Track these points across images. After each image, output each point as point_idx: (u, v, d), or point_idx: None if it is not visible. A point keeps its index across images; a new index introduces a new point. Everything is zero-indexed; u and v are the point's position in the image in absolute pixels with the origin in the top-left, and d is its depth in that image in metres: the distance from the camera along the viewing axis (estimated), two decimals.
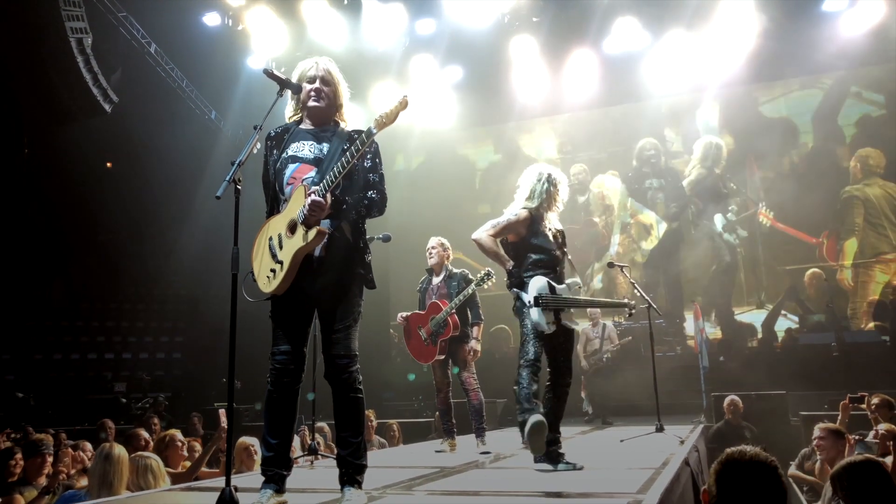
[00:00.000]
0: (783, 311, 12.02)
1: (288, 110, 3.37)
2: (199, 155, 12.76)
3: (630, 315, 4.76)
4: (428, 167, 14.76)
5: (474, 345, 5.73)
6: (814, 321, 11.41)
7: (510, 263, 4.21)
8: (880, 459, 3.27)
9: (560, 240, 4.38)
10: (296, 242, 3.02)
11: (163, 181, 12.79)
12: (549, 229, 4.34)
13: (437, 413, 6.38)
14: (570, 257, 4.45)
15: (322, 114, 3.27)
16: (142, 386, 13.14)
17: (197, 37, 12.50)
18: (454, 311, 5.64)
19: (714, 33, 11.71)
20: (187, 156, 12.65)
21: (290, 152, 3.20)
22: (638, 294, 6.53)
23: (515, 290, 4.21)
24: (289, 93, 3.33)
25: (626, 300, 4.79)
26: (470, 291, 5.63)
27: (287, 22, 12.20)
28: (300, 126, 3.27)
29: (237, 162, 3.02)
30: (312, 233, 2.98)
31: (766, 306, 12.30)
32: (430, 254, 5.95)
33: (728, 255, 12.78)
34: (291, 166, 3.18)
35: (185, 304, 14.76)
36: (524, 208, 4.34)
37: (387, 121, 3.05)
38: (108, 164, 13.81)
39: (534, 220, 4.30)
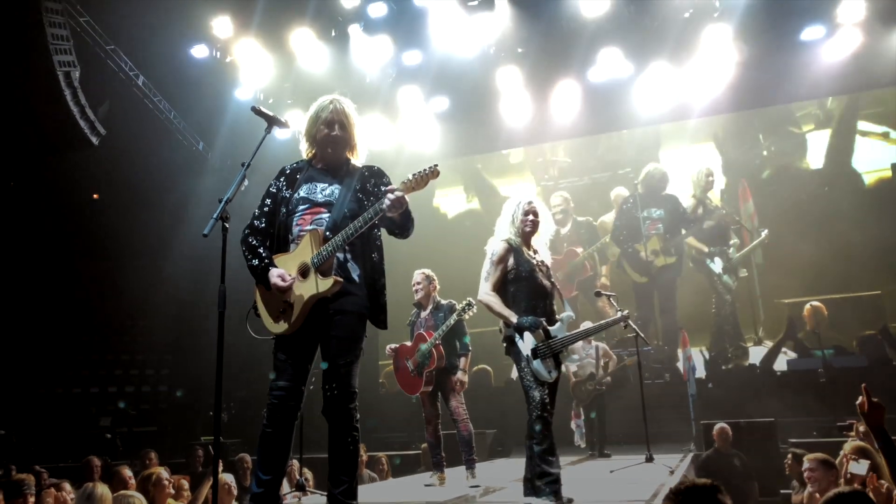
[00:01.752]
0: (784, 349, 11.41)
1: (303, 148, 3.41)
2: (187, 186, 12.76)
3: (626, 326, 4.83)
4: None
5: (461, 375, 5.74)
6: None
7: (514, 318, 4.12)
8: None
9: (545, 270, 4.34)
10: (310, 288, 3.05)
11: (150, 213, 12.76)
12: (532, 259, 4.29)
13: (426, 445, 6.34)
14: (558, 288, 4.44)
15: (332, 149, 3.32)
16: (127, 420, 12.97)
17: (185, 69, 12.56)
18: (439, 341, 5.65)
19: (696, 63, 11.90)
20: (175, 187, 12.65)
21: (302, 193, 3.23)
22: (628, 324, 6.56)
23: (510, 334, 4.16)
24: (281, 132, 3.37)
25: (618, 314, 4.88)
26: (452, 322, 5.65)
27: (275, 54, 12.30)
28: (312, 166, 3.30)
29: (225, 199, 3.04)
30: (329, 282, 3.03)
31: (763, 343, 11.91)
32: (416, 289, 6.00)
33: (728, 296, 12.29)
34: (302, 207, 3.21)
35: (171, 336, 14.63)
36: (502, 240, 4.33)
37: (416, 187, 3.11)
38: (95, 196, 13.77)
39: (514, 251, 4.27)
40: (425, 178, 3.10)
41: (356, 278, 3.09)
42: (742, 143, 13.09)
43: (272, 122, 3.29)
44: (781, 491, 6.74)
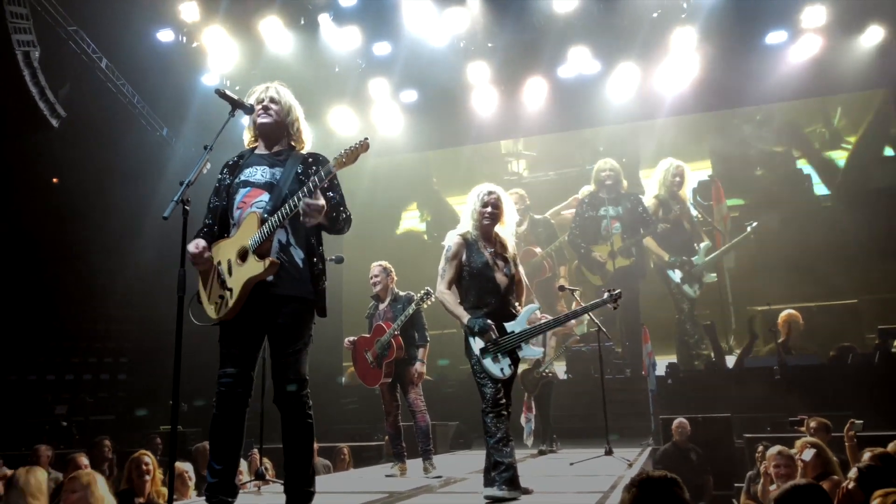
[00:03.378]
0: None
1: (246, 137, 3.38)
2: (150, 172, 12.53)
3: (616, 302, 4.38)
4: (382, 190, 14.73)
5: (419, 367, 5.78)
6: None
7: (466, 318, 4.10)
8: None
9: (504, 264, 4.24)
10: (248, 271, 3.01)
11: (111, 198, 12.49)
12: (486, 253, 4.21)
13: (387, 437, 6.36)
14: (525, 282, 4.40)
15: (272, 132, 3.30)
16: (84, 408, 12.74)
17: (150, 53, 12.33)
18: (398, 332, 5.68)
19: (664, 63, 12.06)
20: (137, 173, 12.41)
21: (242, 177, 3.21)
22: (588, 318, 6.64)
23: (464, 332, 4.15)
24: (246, 119, 3.35)
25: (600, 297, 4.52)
26: (411, 312, 5.69)
27: (242, 40, 12.14)
28: (255, 152, 3.28)
29: (186, 182, 3.01)
30: (265, 263, 2.99)
31: (734, 352, 11.60)
32: (374, 281, 6.01)
33: (686, 305, 11.87)
34: (242, 191, 3.18)
35: (131, 324, 14.38)
36: (458, 235, 4.27)
37: (347, 161, 3.12)
38: (55, 180, 13.45)
39: (468, 245, 4.22)
40: (355, 152, 3.11)
41: (299, 262, 3.06)
42: (725, 142, 13.00)
43: (236, 105, 3.27)
44: (735, 484, 6.89)
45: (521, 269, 4.41)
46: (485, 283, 4.16)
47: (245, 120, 3.44)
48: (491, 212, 4.23)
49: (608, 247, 11.82)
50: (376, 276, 6.01)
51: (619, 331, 11.76)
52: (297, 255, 3.14)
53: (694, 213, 12.59)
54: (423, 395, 5.91)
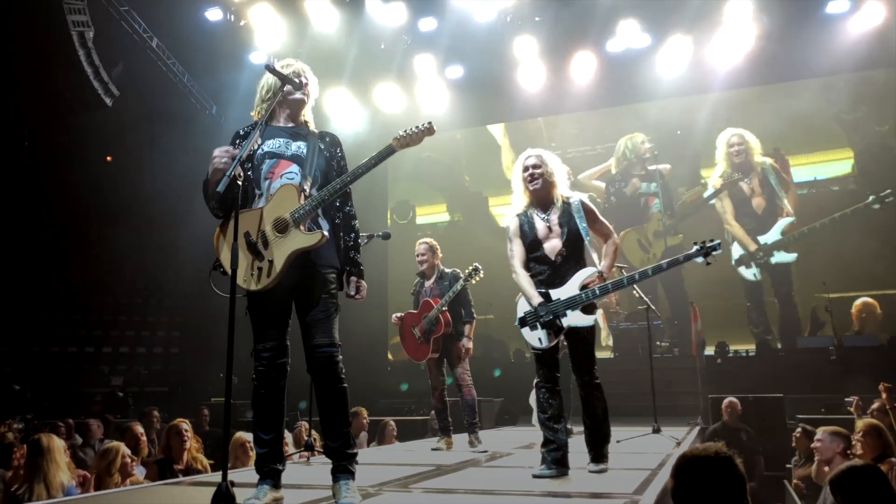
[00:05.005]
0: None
1: (257, 108, 3.38)
2: (200, 150, 12.71)
3: (709, 255, 3.87)
4: (427, 164, 14.71)
5: (466, 342, 5.80)
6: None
7: (536, 299, 3.98)
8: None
9: (566, 224, 4.04)
10: (294, 243, 3.00)
11: (163, 176, 12.77)
12: (536, 223, 4.09)
13: (433, 412, 6.40)
14: (587, 239, 4.05)
15: (299, 109, 3.31)
16: (139, 380, 13.15)
17: (199, 32, 12.49)
18: (445, 308, 5.69)
19: (716, 36, 11.69)
20: (188, 150, 12.62)
21: (266, 148, 3.21)
22: (637, 294, 6.55)
23: None
24: (259, 93, 3.35)
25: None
26: (459, 288, 5.70)
27: (289, 18, 12.19)
28: (272, 124, 3.27)
29: (238, 157, 3.02)
30: (316, 237, 3.01)
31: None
32: (420, 259, 6.02)
33: (754, 289, 11.24)
34: (269, 161, 3.19)
35: (183, 299, 14.74)
36: (514, 216, 4.20)
37: (410, 143, 3.11)
38: (109, 158, 13.79)
39: (520, 224, 4.13)
40: (420, 135, 3.12)
41: (326, 233, 3.08)
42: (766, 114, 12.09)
43: (285, 80, 3.26)
44: (787, 466, 6.76)
45: (589, 217, 4.11)
46: (535, 254, 4.08)
47: (262, 91, 3.40)
48: (531, 174, 4.11)
49: (649, 227, 11.59)
50: (422, 253, 6.02)
51: (667, 309, 11.59)
52: (324, 226, 3.16)
53: (776, 186, 11.68)
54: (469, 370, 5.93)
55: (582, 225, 4.04)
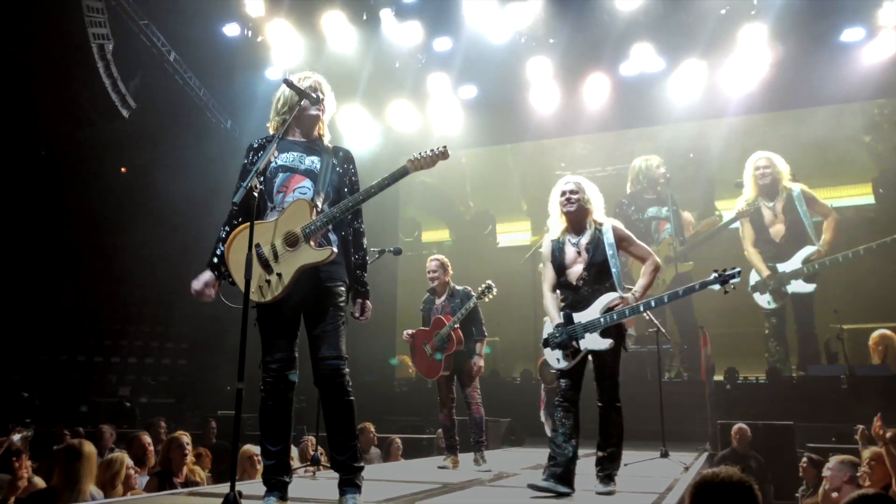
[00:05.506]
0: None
1: (273, 122, 3.41)
2: (214, 165, 12.84)
3: (727, 283, 3.95)
4: (438, 185, 14.76)
5: (478, 360, 5.80)
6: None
7: (555, 321, 4.17)
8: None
9: (590, 252, 4.15)
10: (303, 257, 3.04)
11: (176, 188, 12.85)
12: (574, 244, 4.21)
13: (441, 429, 6.38)
14: (614, 266, 4.14)
15: (314, 124, 3.34)
16: (147, 390, 13.17)
17: (216, 47, 12.64)
18: (457, 325, 5.68)
19: (730, 61, 11.72)
20: (202, 165, 12.73)
21: (279, 161, 3.23)
22: (647, 317, 6.52)
23: None
24: (274, 106, 3.38)
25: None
26: (471, 305, 5.71)
27: (306, 35, 12.32)
28: (287, 137, 3.30)
29: (255, 169, 3.06)
30: (325, 253, 3.04)
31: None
32: (431, 276, 6.02)
33: (775, 318, 11.04)
34: (282, 175, 3.22)
35: (193, 311, 14.77)
36: (548, 239, 4.37)
37: (424, 166, 3.16)
38: (123, 170, 13.91)
39: (552, 249, 4.28)
40: (434, 159, 3.17)
41: (335, 249, 3.11)
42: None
43: (303, 95, 3.30)
44: (796, 495, 6.68)
45: (623, 243, 4.23)
46: (562, 280, 4.24)
47: (277, 104, 3.43)
48: (568, 198, 4.22)
49: (658, 251, 11.45)
50: (433, 270, 6.03)
51: (676, 334, 11.50)
52: (334, 241, 3.19)
53: (804, 213, 11.38)
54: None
55: (610, 252, 4.13)
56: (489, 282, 5.75)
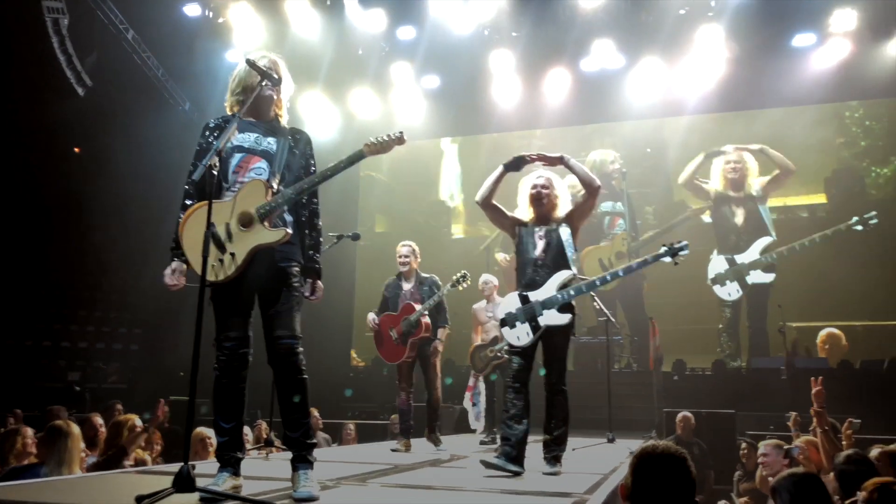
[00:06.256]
0: None
1: (228, 101, 3.43)
2: (170, 146, 12.64)
3: (676, 256, 4.23)
4: (399, 173, 14.79)
5: (438, 344, 5.98)
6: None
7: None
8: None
9: (548, 238, 4.37)
10: (256, 238, 3.07)
11: (131, 170, 12.63)
12: (535, 232, 4.41)
13: (397, 413, 6.48)
14: (569, 249, 4.36)
15: (270, 104, 3.36)
16: (97, 376, 12.94)
17: (176, 26, 12.42)
18: (426, 313, 5.80)
19: (687, 61, 12.00)
20: (158, 146, 12.53)
21: (235, 142, 3.26)
22: (597, 307, 6.69)
23: None
24: (230, 85, 3.40)
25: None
26: (444, 293, 5.83)
27: (268, 18, 12.19)
28: (243, 118, 3.31)
29: (215, 148, 3.07)
30: (280, 234, 3.08)
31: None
32: (403, 261, 6.09)
33: (729, 311, 11.26)
34: (238, 156, 3.25)
35: (144, 295, 14.54)
36: (517, 227, 4.57)
37: (380, 150, 3.20)
38: (77, 149, 13.60)
39: (520, 232, 4.47)
40: (389, 144, 3.22)
41: (290, 230, 3.16)
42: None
43: (265, 76, 3.32)
44: (733, 479, 6.95)
45: (573, 216, 4.48)
46: (521, 260, 4.45)
47: (233, 83, 3.45)
48: (539, 192, 4.45)
49: (611, 246, 11.63)
50: (405, 255, 6.12)
51: (626, 324, 11.73)
52: (288, 220, 3.24)
53: (763, 209, 11.65)
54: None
55: (565, 237, 4.34)
56: (464, 271, 5.95)
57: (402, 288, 6.12)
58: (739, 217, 11.59)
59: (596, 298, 6.93)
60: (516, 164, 4.45)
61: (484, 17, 12.04)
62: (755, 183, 11.74)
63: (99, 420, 5.60)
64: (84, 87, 11.10)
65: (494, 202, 4.52)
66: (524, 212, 4.52)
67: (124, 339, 14.36)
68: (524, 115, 13.32)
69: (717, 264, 11.16)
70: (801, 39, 11.72)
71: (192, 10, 12.26)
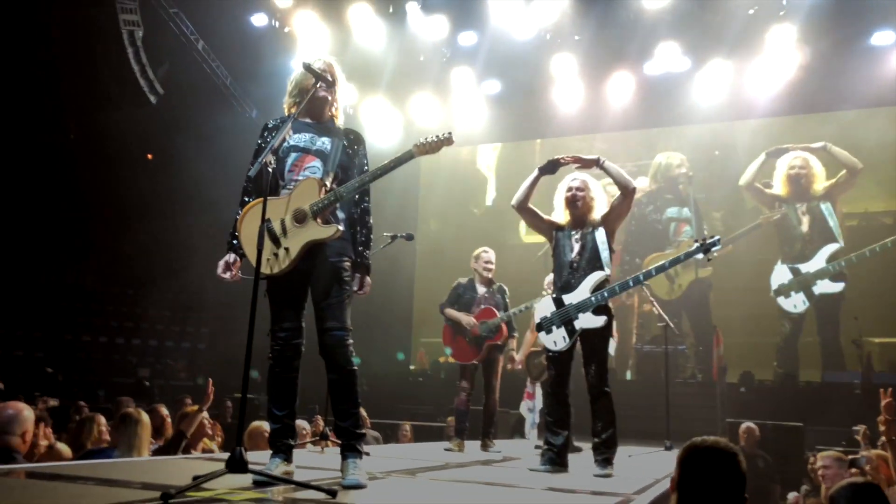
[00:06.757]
0: None
1: (287, 102, 3.52)
2: (237, 151, 12.98)
3: (709, 252, 4.16)
4: (456, 179, 14.80)
5: (514, 354, 6.25)
6: None
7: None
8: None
9: (584, 241, 4.36)
10: (310, 233, 3.15)
11: (200, 175, 13.05)
12: (571, 235, 4.40)
13: (454, 414, 6.49)
14: (604, 252, 4.32)
15: (324, 105, 3.43)
16: (166, 372, 13.42)
17: (244, 36, 12.80)
18: (506, 320, 5.98)
19: (758, 62, 11.64)
20: (226, 151, 12.91)
21: (291, 142, 3.35)
22: (656, 312, 6.55)
23: None
24: (287, 88, 3.49)
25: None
26: (531, 305, 5.86)
27: (332, 26, 12.42)
28: (299, 119, 3.39)
29: (269, 146, 3.17)
30: (331, 230, 3.15)
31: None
32: (488, 267, 6.16)
33: (788, 325, 10.78)
34: (294, 155, 3.34)
35: (213, 296, 14.98)
36: (554, 232, 4.58)
37: (428, 150, 3.25)
38: (149, 156, 14.14)
39: (557, 235, 4.48)
40: (438, 144, 3.25)
41: (341, 227, 3.22)
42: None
43: (319, 77, 3.39)
44: (796, 493, 6.67)
45: (609, 219, 4.45)
46: (557, 263, 4.46)
47: (290, 86, 3.56)
48: (574, 195, 4.43)
49: (677, 254, 11.29)
50: (491, 262, 6.17)
51: (691, 334, 11.42)
52: (341, 218, 3.31)
53: (829, 214, 11.16)
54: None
55: (600, 239, 4.31)
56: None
57: (478, 291, 6.17)
58: (805, 224, 11.15)
59: (656, 305, 6.79)
60: (551, 168, 4.45)
61: (546, 21, 11.96)
62: (820, 187, 11.26)
63: (164, 410, 5.81)
64: (156, 96, 11.55)
65: (531, 205, 4.54)
66: (560, 215, 4.53)
67: (192, 337, 14.83)
68: (586, 119, 13.12)
69: (781, 274, 10.76)
70: (879, 38, 11.22)
71: (259, 20, 12.62)
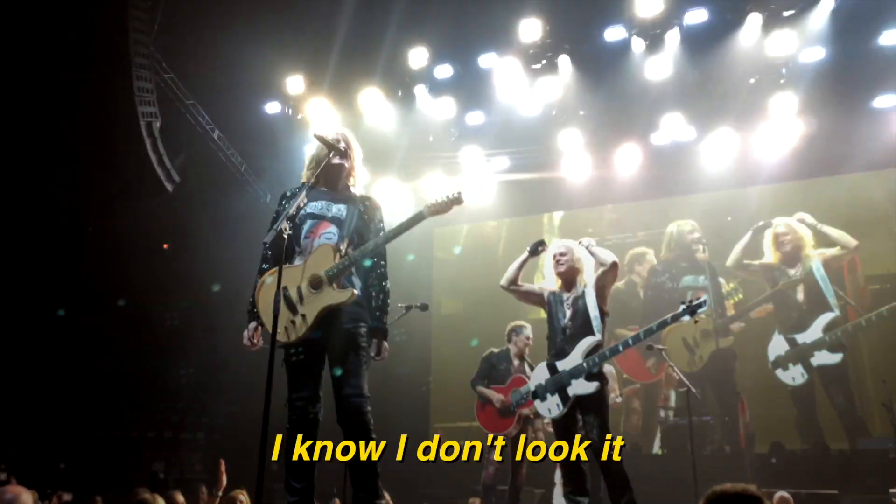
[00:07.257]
0: None
1: (305, 172, 3.58)
2: (253, 238, 13.09)
3: (696, 314, 4.24)
4: (472, 254, 14.81)
5: (547, 426, 6.16)
6: None
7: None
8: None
9: (576, 306, 4.49)
10: (326, 299, 3.14)
11: (217, 261, 13.14)
12: (563, 301, 4.57)
13: (482, 491, 6.30)
14: (595, 319, 4.43)
15: (340, 173, 3.48)
16: (181, 464, 13.14)
17: (258, 124, 13.18)
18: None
19: (761, 130, 11.78)
20: (242, 238, 13.03)
21: (307, 210, 3.38)
22: (676, 377, 6.40)
23: None
24: (305, 157, 3.58)
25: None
26: None
27: (343, 111, 12.76)
28: (315, 187, 3.44)
29: (285, 214, 3.20)
30: (346, 294, 3.13)
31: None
32: (527, 343, 6.34)
33: (792, 399, 10.45)
34: (310, 222, 3.37)
35: (230, 384, 14.81)
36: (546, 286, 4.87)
37: (439, 210, 3.29)
38: (165, 246, 14.28)
39: (550, 300, 4.68)
40: (449, 203, 3.28)
41: (357, 291, 3.20)
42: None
43: (330, 147, 3.46)
44: None
45: (601, 288, 4.61)
46: (550, 329, 4.64)
47: (307, 158, 3.67)
48: (558, 259, 4.76)
49: (696, 324, 11.11)
50: (531, 338, 6.31)
51: (716, 405, 11.09)
52: (357, 284, 3.26)
53: (824, 282, 10.93)
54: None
55: (591, 303, 4.45)
56: None
57: (514, 363, 6.19)
58: (800, 293, 10.91)
59: (676, 370, 6.65)
60: (535, 249, 4.76)
61: (551, 97, 12.24)
62: (813, 254, 11.16)
63: (180, 498, 5.66)
64: (172, 183, 11.79)
65: (520, 282, 4.78)
66: (552, 282, 4.79)
67: (208, 428, 14.58)
68: (595, 191, 13.23)
69: (778, 345, 10.48)
70: (882, 101, 11.36)
71: (272, 108, 13.02)
